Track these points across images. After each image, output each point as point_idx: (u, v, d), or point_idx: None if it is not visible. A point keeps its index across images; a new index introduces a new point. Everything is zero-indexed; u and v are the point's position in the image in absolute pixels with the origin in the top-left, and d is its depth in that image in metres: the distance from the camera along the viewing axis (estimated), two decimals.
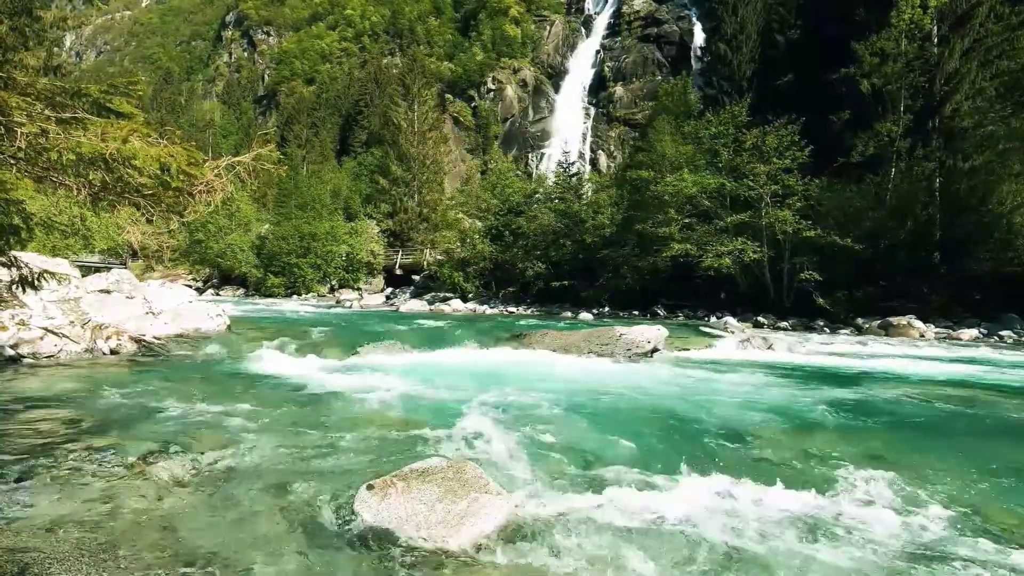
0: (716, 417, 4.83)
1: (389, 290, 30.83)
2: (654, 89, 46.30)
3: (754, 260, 15.67)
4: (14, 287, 4.43)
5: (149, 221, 3.84)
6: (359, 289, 31.36)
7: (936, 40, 16.37)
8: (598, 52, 58.08)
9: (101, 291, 9.00)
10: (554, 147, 52.85)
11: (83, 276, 10.08)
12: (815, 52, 20.82)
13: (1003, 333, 11.71)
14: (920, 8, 16.23)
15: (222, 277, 34.62)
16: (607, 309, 19.29)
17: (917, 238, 15.29)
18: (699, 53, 47.40)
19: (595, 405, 5.21)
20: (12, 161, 3.17)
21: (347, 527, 2.53)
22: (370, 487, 2.69)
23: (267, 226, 35.20)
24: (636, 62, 54.01)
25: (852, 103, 17.94)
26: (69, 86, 3.40)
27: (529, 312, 20.20)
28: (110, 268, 16.40)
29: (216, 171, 3.54)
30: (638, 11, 56.15)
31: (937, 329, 12.50)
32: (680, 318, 16.66)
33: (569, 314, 18.64)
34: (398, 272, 32.31)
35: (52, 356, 6.90)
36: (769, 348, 9.44)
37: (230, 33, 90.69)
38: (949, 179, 15.29)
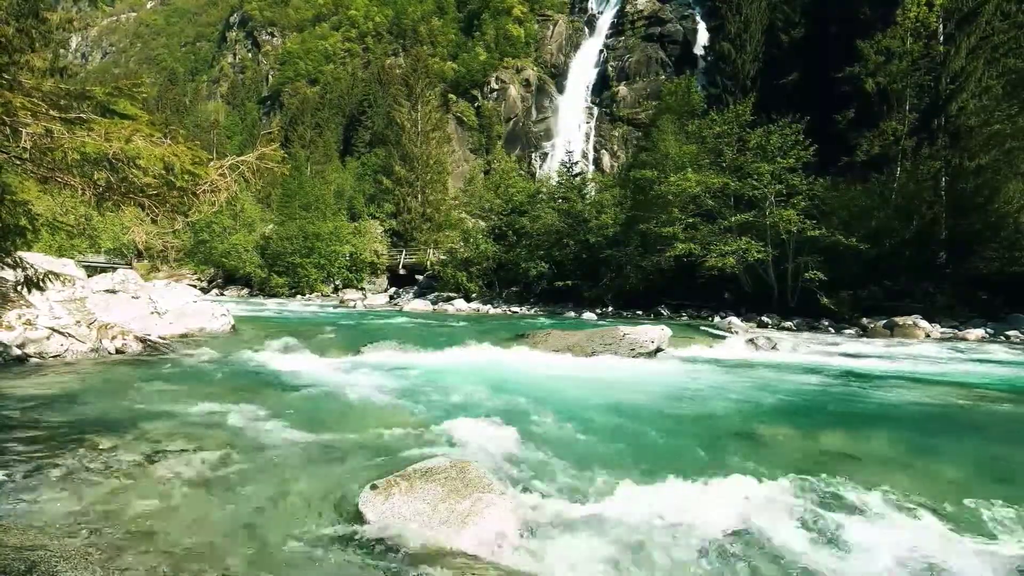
0: (720, 417, 4.82)
1: (393, 290, 30.87)
2: (658, 88, 46.12)
3: (758, 260, 15.60)
4: (19, 288, 4.46)
5: (154, 221, 3.86)
6: (363, 289, 31.41)
7: (942, 38, 16.27)
8: (601, 51, 57.96)
9: (107, 291, 9.05)
10: (557, 147, 52.80)
11: (89, 276, 10.13)
12: (819, 51, 20.75)
13: (1010, 333, 11.61)
14: (926, 6, 16.14)
15: (226, 277, 34.75)
16: (611, 309, 19.25)
17: (923, 237, 15.19)
18: (703, 52, 47.24)
19: (599, 405, 5.20)
20: (18, 161, 3.19)
21: (351, 527, 2.53)
22: (374, 487, 2.69)
23: (271, 226, 35.31)
24: (640, 61, 53.86)
25: (857, 102, 17.87)
26: (74, 89, 3.42)
27: (532, 312, 20.18)
28: (115, 268, 16.49)
29: (220, 171, 3.55)
30: (641, 10, 56.00)
31: (943, 329, 12.41)
32: (684, 318, 16.62)
33: (572, 314, 18.62)
34: (401, 272, 32.36)
35: (58, 356, 6.94)
36: (773, 348, 9.41)
37: (234, 34, 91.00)
38: (955, 178, 15.17)
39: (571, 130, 54.46)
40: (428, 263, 29.63)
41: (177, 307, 10.06)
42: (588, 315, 17.41)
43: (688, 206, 17.22)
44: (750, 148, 16.35)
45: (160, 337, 8.44)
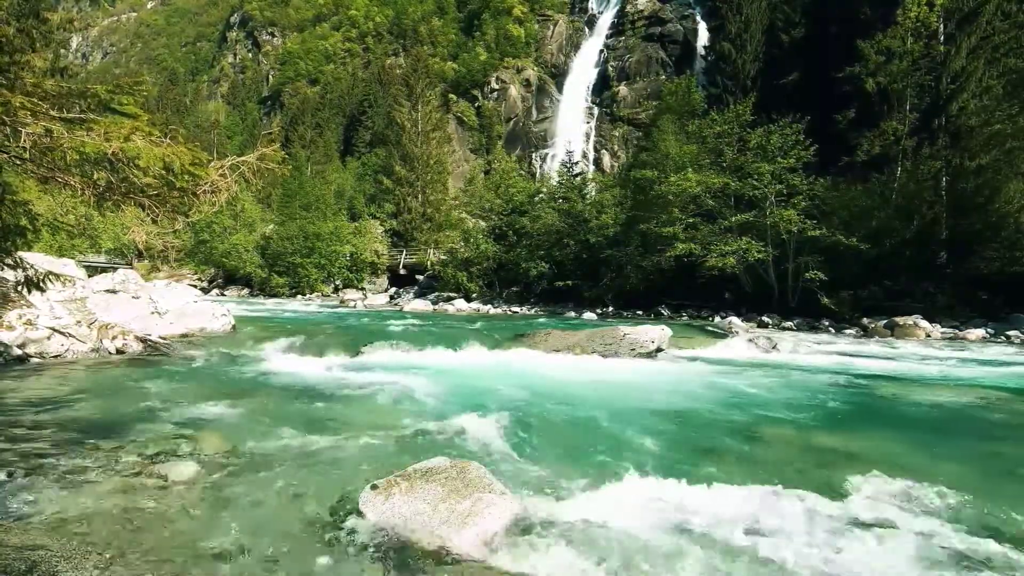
0: (720, 417, 4.81)
1: (393, 290, 30.88)
2: (658, 88, 46.06)
3: (758, 260, 15.60)
4: (19, 288, 4.46)
5: (154, 221, 3.86)
6: (363, 289, 31.41)
7: (942, 38, 16.27)
8: (602, 51, 57.94)
9: (107, 291, 9.06)
10: (558, 147, 52.78)
11: (89, 276, 10.14)
12: (820, 50, 20.74)
13: (1010, 333, 11.60)
14: (926, 6, 16.13)
15: (227, 277, 34.75)
16: (611, 309, 19.25)
17: (923, 237, 15.18)
18: (703, 52, 47.21)
19: (599, 405, 5.20)
20: (18, 161, 3.20)
21: (351, 527, 2.53)
22: (374, 487, 2.69)
23: (272, 226, 35.32)
24: (640, 61, 53.84)
25: (857, 102, 17.87)
26: (75, 87, 3.42)
27: (533, 312, 20.18)
28: (116, 268, 16.50)
29: (221, 171, 3.55)
30: (642, 10, 55.97)
31: (943, 329, 12.40)
32: (684, 318, 16.61)
33: (573, 314, 18.62)
34: (402, 272, 32.36)
35: (59, 356, 6.95)
36: (774, 348, 9.40)
37: (235, 34, 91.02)
38: (955, 178, 15.17)
39: (571, 130, 54.41)
40: (428, 263, 29.64)
41: (177, 307, 10.06)
42: (588, 315, 17.41)
43: (688, 206, 17.21)
44: (750, 148, 16.34)
45: (160, 337, 8.44)
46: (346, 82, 66.03)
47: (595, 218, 21.69)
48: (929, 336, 11.98)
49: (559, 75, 59.65)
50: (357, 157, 53.80)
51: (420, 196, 37.86)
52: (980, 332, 11.92)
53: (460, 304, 22.05)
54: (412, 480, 2.71)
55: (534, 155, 55.57)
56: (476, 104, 58.98)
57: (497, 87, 58.83)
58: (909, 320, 12.49)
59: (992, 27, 15.71)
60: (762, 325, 14.30)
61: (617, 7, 59.64)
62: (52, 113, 2.97)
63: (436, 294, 25.27)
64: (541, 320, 16.33)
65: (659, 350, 8.57)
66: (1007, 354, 9.30)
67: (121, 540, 2.30)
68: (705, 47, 46.29)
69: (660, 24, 54.31)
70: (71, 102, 3.21)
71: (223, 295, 30.79)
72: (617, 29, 57.62)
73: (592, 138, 54.21)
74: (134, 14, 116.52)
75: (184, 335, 9.18)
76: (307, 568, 2.22)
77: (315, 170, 47.21)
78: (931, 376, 7.20)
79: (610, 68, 55.21)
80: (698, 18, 52.47)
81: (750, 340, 9.80)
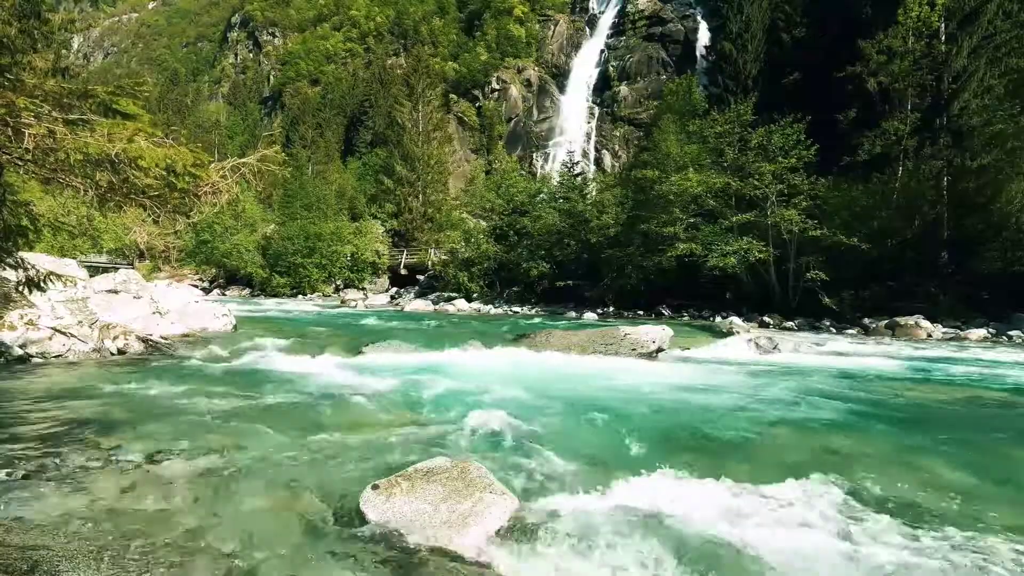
0: (721, 417, 4.81)
1: (394, 290, 30.88)
2: (659, 88, 46.16)
3: (760, 260, 15.58)
4: (21, 288, 4.47)
5: (156, 222, 3.88)
6: (364, 289, 31.41)
7: (944, 38, 16.25)
8: (603, 51, 57.92)
9: (108, 291, 9.07)
10: (559, 147, 52.79)
11: (91, 276, 10.15)
12: (821, 50, 20.70)
13: (1012, 333, 11.59)
14: (928, 5, 16.12)
15: (228, 277, 34.77)
16: (612, 309, 19.25)
17: (925, 237, 15.18)
18: (704, 52, 47.15)
19: (600, 405, 5.20)
20: (20, 162, 3.20)
21: (352, 527, 2.53)
22: (375, 487, 2.69)
23: (273, 226, 35.33)
24: (641, 61, 53.81)
25: (859, 101, 17.86)
26: (76, 88, 3.42)
27: (533, 312, 20.17)
28: (117, 268, 16.51)
29: (222, 172, 3.56)
30: (643, 10, 55.93)
31: (944, 329, 12.39)
32: (685, 318, 16.60)
33: (573, 314, 18.61)
34: (403, 272, 32.36)
35: (60, 355, 6.95)
36: (775, 348, 9.39)
37: (236, 35, 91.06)
38: (957, 178, 15.16)
39: (572, 130, 54.42)
40: (429, 263, 29.65)
41: (179, 307, 10.09)
42: (589, 315, 17.40)
43: (689, 206, 17.21)
44: (752, 148, 16.33)
45: (162, 337, 8.46)
46: (347, 82, 66.05)
47: (596, 218, 21.66)
48: (931, 336, 11.96)
49: (560, 75, 59.62)
50: (358, 157, 53.81)
51: (421, 196, 37.85)
52: (982, 332, 11.91)
53: (461, 304, 22.04)
54: (413, 480, 2.71)
55: (535, 155, 55.53)
56: (477, 104, 58.95)
57: (498, 87, 58.80)
58: (910, 320, 12.47)
59: (994, 27, 15.71)
60: (763, 325, 14.29)
61: (618, 7, 59.62)
62: (55, 114, 2.98)
63: (437, 294, 25.26)
64: (542, 320, 16.33)
65: (660, 350, 8.57)
66: (1008, 354, 9.28)
67: (121, 540, 2.31)
68: (706, 47, 46.27)
69: (661, 24, 54.27)
70: (72, 103, 3.21)
71: (224, 295, 30.80)
72: (618, 29, 57.60)
73: (593, 138, 54.17)
74: (135, 15, 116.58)
75: (185, 335, 9.19)
76: (307, 568, 2.23)
77: (316, 170, 47.23)
78: (932, 376, 7.19)
79: (611, 68, 55.17)
80: (699, 18, 52.42)
81: (751, 340, 9.79)
